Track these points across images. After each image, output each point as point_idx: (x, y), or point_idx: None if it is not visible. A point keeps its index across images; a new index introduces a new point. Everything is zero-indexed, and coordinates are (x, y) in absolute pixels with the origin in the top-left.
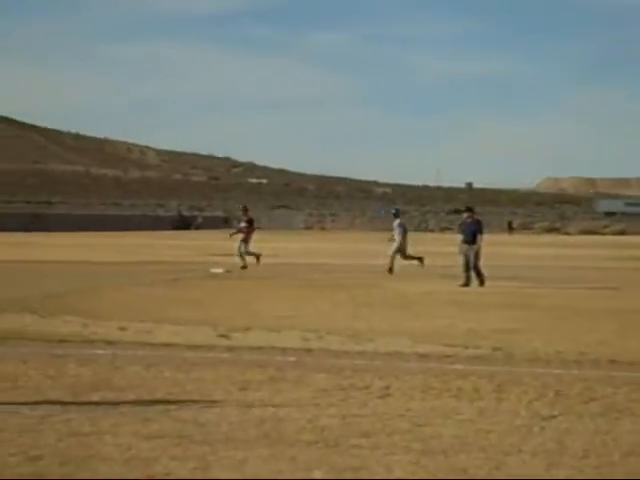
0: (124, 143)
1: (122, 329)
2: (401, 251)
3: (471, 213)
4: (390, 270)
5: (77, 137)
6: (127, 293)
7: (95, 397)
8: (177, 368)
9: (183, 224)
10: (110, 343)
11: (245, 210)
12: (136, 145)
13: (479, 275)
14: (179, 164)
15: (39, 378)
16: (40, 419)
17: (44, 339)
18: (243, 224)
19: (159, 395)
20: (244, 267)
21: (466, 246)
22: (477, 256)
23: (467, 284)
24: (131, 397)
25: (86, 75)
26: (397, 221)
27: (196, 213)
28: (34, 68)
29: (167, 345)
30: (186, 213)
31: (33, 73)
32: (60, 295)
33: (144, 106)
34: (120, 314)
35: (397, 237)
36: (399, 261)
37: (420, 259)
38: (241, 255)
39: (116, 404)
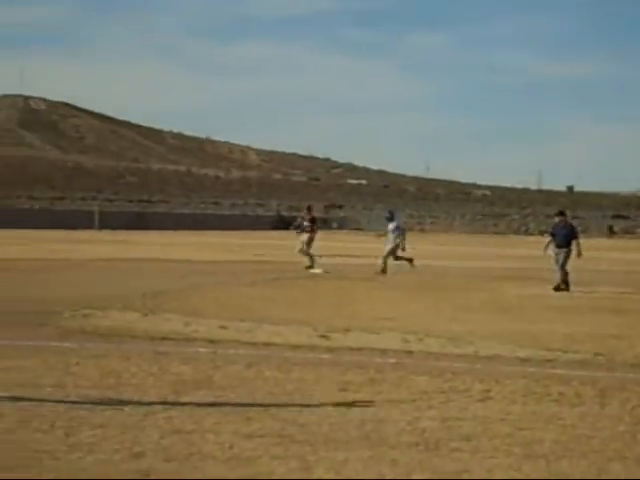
0: (225, 143)
1: (223, 328)
2: (394, 252)
3: (563, 217)
4: (383, 271)
5: (178, 136)
6: (228, 292)
7: (197, 395)
8: (278, 368)
9: (282, 224)
10: (211, 342)
11: (309, 210)
12: (237, 145)
13: (564, 280)
14: (279, 164)
15: (142, 375)
16: (143, 416)
17: (147, 337)
18: (306, 223)
19: (260, 394)
20: (310, 267)
21: (558, 250)
22: (566, 260)
23: (563, 288)
24: (232, 396)
25: (187, 75)
26: (393, 224)
27: (295, 213)
28: (135, 66)
29: (267, 345)
30: (285, 213)
31: (134, 72)
32: (162, 293)
33: (245, 106)
34: (221, 313)
35: (393, 239)
36: (390, 261)
37: (410, 260)
38: (308, 254)
39: (217, 403)
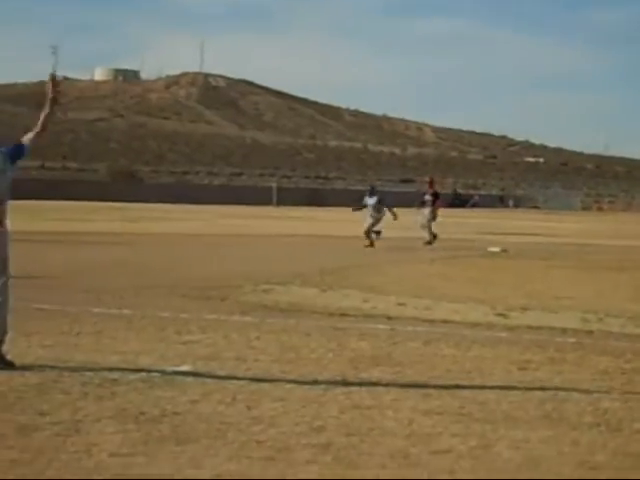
0: (402, 120)
1: (401, 305)
2: (371, 228)
3: None
4: (371, 244)
5: (356, 113)
6: (405, 269)
7: (375, 371)
8: (456, 345)
9: (459, 202)
10: (389, 318)
11: (431, 183)
12: (413, 122)
13: None
14: (455, 142)
15: (321, 351)
16: (322, 391)
17: (326, 312)
18: (428, 197)
19: (438, 372)
20: (429, 243)
21: None
22: None
23: None
24: (410, 373)
25: (365, 52)
26: (374, 198)
27: (472, 191)
28: (314, 43)
29: (445, 322)
30: (461, 191)
31: (313, 49)
32: (339, 269)
33: (421, 83)
34: (399, 290)
35: (374, 214)
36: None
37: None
38: (429, 229)
39: (396, 379)
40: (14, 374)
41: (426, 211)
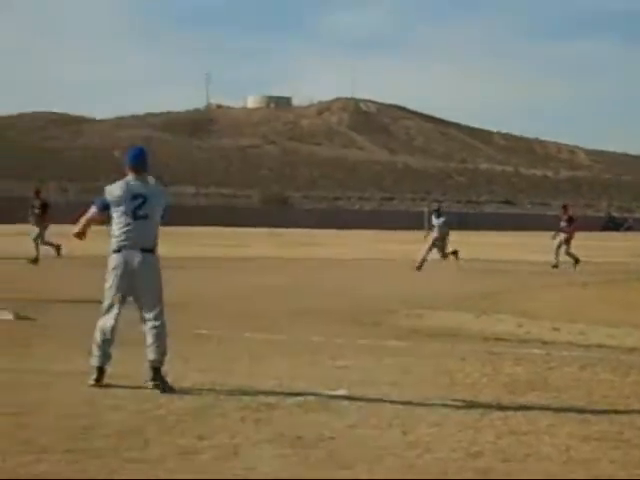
0: (554, 143)
1: (555, 329)
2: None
3: None
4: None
5: (507, 136)
6: (559, 293)
7: (531, 396)
8: (613, 371)
9: (613, 225)
10: (544, 343)
11: (565, 209)
12: (566, 145)
13: None
14: (610, 165)
15: (476, 375)
16: (479, 416)
17: (480, 337)
18: (563, 223)
19: (596, 397)
20: (555, 266)
21: None
22: None
23: None
24: (566, 397)
25: (515, 74)
26: (441, 219)
27: (627, 214)
28: (463, 67)
29: (601, 346)
30: (616, 214)
31: (462, 72)
32: (492, 294)
33: (573, 106)
34: (553, 314)
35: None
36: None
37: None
38: (569, 254)
39: (552, 404)
40: (174, 397)
41: (562, 237)
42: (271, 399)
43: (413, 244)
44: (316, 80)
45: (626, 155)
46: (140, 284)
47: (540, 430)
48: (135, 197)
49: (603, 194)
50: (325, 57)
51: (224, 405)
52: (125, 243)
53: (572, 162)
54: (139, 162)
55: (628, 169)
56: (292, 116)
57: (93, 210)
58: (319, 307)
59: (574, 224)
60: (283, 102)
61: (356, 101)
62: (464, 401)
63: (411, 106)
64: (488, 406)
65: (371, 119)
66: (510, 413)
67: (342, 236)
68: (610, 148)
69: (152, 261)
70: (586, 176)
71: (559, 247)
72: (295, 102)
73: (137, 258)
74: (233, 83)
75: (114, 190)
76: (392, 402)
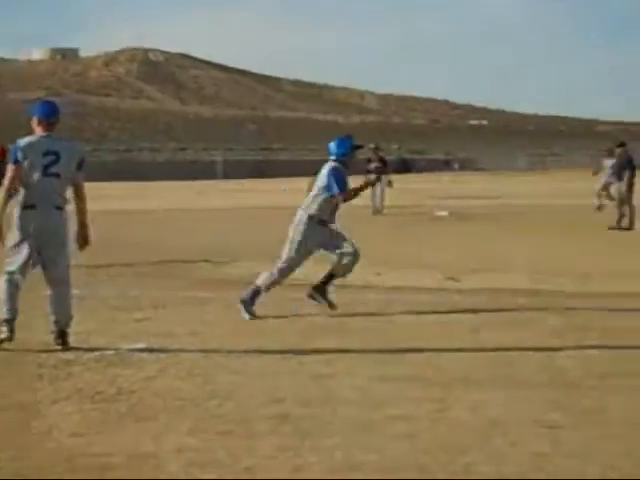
0: (343, 88)
1: (378, 275)
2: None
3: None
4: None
5: (296, 83)
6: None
7: (330, 341)
8: (409, 311)
9: (404, 167)
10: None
11: (376, 150)
12: (355, 90)
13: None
14: (398, 108)
15: (275, 322)
16: (279, 362)
17: (285, 285)
18: (374, 165)
19: (392, 339)
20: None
21: None
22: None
23: None
24: (364, 340)
25: (302, 21)
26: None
27: (417, 156)
28: (248, 15)
29: (397, 288)
30: (407, 156)
31: (248, 19)
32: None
33: (361, 51)
34: None
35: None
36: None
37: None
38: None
39: (350, 348)
40: None
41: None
42: (69, 355)
43: (212, 193)
44: (104, 31)
45: (414, 98)
46: (47, 241)
47: (339, 373)
48: (47, 154)
49: (393, 137)
50: (114, 7)
51: (21, 362)
52: (33, 201)
53: (361, 107)
54: (52, 117)
55: (417, 111)
56: (80, 68)
57: (12, 167)
58: (122, 260)
59: (386, 166)
60: (70, 54)
61: (144, 51)
62: (264, 349)
63: (200, 55)
64: (288, 351)
65: (160, 69)
66: (309, 358)
67: (136, 188)
68: (397, 91)
69: (61, 218)
70: (376, 120)
71: (383, 191)
72: (82, 54)
73: (46, 215)
74: (17, 36)
75: (25, 145)
76: (192, 352)
